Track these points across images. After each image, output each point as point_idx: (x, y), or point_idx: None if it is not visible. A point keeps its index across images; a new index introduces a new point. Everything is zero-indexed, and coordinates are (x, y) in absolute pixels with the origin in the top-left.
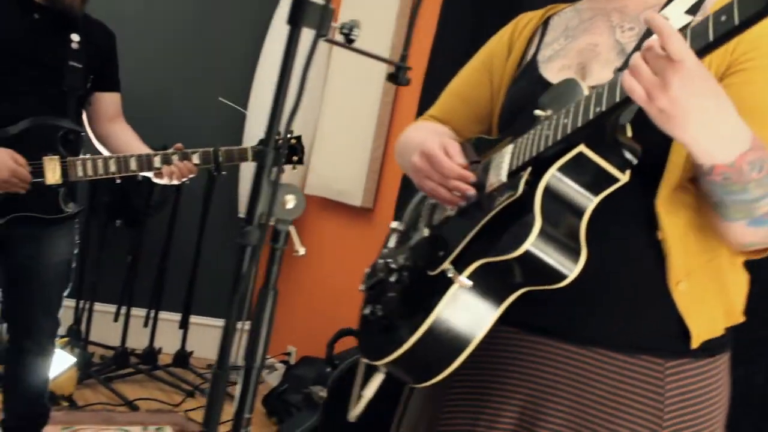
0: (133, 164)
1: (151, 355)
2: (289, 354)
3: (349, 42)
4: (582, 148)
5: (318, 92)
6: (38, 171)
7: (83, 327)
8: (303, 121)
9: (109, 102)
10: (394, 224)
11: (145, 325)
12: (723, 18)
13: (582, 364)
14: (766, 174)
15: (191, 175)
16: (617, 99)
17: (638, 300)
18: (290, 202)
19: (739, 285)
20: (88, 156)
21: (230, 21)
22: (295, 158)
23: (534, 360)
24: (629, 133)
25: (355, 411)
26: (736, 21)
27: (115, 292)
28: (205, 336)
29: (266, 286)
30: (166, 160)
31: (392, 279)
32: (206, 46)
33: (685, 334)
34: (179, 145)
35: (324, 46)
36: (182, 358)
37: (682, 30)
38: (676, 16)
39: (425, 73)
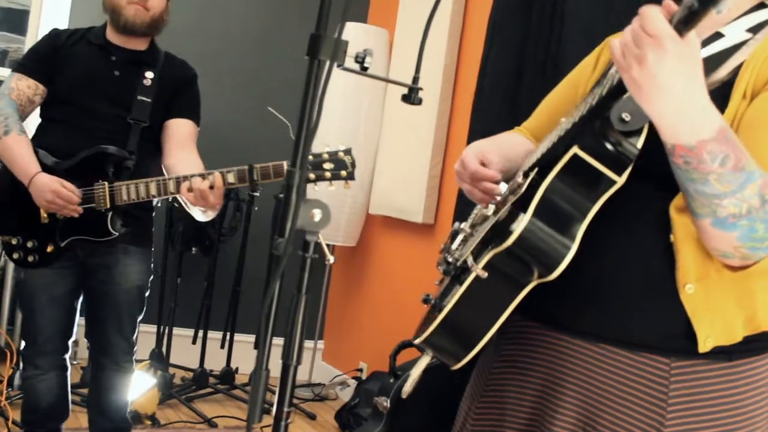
0: (171, 186)
1: (228, 375)
2: (360, 370)
3: (363, 69)
4: (576, 149)
5: (377, 116)
6: (91, 197)
7: (164, 350)
8: (364, 145)
9: (177, 128)
10: (456, 225)
11: (222, 346)
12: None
13: (590, 359)
14: (730, 170)
15: (216, 203)
16: (604, 92)
17: (646, 299)
18: (317, 215)
19: None
20: (131, 181)
21: (283, 45)
22: (343, 173)
23: (551, 354)
24: (639, 142)
25: (406, 388)
26: (696, 3)
27: (193, 317)
28: (278, 355)
29: (298, 291)
30: (178, 183)
31: (444, 270)
32: (261, 71)
33: (694, 336)
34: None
35: (382, 70)
36: None
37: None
38: (737, 32)
39: (475, 93)
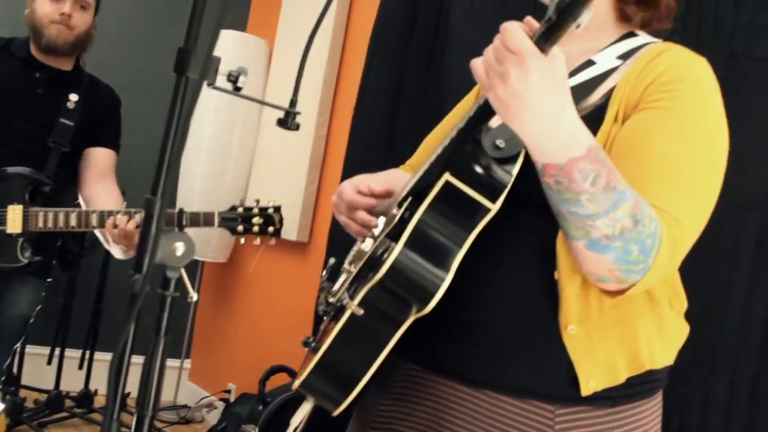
0: (93, 220)
1: (86, 397)
2: (229, 392)
3: (236, 89)
4: (448, 176)
5: (253, 129)
6: (2, 219)
7: (15, 371)
8: (239, 158)
9: (99, 158)
10: (332, 261)
11: (80, 367)
12: (551, 13)
13: (473, 405)
14: (601, 190)
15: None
16: (472, 113)
17: (529, 342)
18: (179, 249)
19: (652, 331)
20: (50, 208)
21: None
22: (270, 229)
23: (435, 399)
24: (514, 169)
25: None
26: (554, 16)
27: (49, 334)
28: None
29: (157, 334)
30: (101, 218)
31: (323, 311)
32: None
33: (578, 380)
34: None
35: (259, 82)
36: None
37: None
38: (608, 59)
39: (354, 108)
